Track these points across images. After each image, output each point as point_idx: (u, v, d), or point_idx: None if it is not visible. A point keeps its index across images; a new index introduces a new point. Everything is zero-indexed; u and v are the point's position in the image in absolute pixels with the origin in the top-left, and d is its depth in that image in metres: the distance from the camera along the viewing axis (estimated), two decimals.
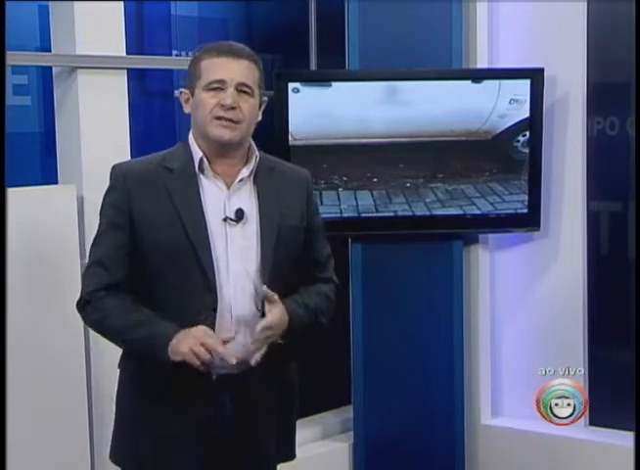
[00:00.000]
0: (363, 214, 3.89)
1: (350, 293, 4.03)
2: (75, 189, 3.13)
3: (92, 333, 3.17)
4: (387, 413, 4.06)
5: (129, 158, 3.26)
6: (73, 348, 3.12)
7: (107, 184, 3.17)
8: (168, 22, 3.56)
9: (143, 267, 2.28)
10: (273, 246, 2.31)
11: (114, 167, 2.35)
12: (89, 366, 3.20)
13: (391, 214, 3.89)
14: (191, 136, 2.34)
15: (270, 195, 2.35)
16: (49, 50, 3.24)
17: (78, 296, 2.33)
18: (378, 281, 4.02)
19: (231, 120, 2.26)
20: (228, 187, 2.31)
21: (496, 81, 3.83)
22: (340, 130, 3.82)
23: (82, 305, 2.31)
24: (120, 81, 3.27)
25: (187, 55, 3.93)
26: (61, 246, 3.07)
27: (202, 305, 2.24)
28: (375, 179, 3.86)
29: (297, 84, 3.74)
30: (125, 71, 3.28)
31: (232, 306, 2.27)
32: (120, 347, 2.32)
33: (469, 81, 3.85)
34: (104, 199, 2.33)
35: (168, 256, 2.24)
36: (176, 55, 3.78)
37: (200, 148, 2.31)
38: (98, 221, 2.36)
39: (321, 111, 3.79)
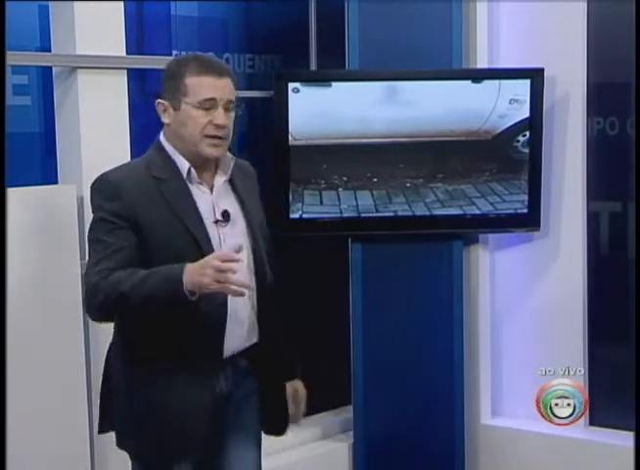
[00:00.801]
0: (363, 214, 3.89)
1: (350, 293, 4.03)
2: (75, 189, 3.13)
3: (92, 333, 3.19)
4: (387, 413, 4.06)
5: (129, 158, 3.26)
6: (73, 347, 3.12)
7: None
8: (168, 22, 3.56)
9: (146, 261, 2.33)
10: (261, 240, 2.49)
11: (104, 178, 2.40)
12: (89, 365, 3.20)
13: (391, 214, 3.89)
14: (169, 146, 2.43)
15: (246, 194, 2.51)
16: (49, 50, 3.24)
17: (84, 301, 2.37)
18: (378, 281, 4.02)
19: (220, 138, 2.38)
20: (211, 191, 2.44)
21: (496, 81, 3.83)
22: (340, 130, 3.82)
23: (91, 293, 2.32)
24: (120, 81, 3.27)
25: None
26: (61, 246, 3.07)
27: (205, 302, 2.29)
28: (375, 179, 3.86)
29: (296, 84, 3.74)
30: (125, 71, 3.27)
31: (228, 302, 2.38)
32: (136, 307, 2.29)
33: (469, 81, 3.85)
34: (101, 207, 2.37)
35: (174, 257, 2.30)
36: (176, 55, 3.78)
37: (184, 158, 2.41)
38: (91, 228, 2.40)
39: (321, 111, 3.79)
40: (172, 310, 2.27)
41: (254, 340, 2.51)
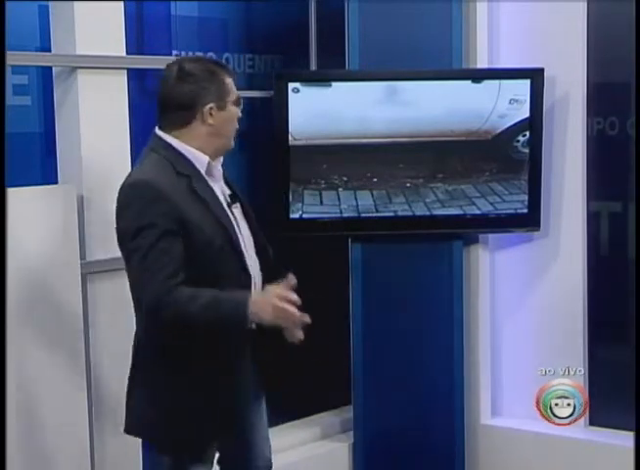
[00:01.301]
0: (363, 214, 3.89)
1: (350, 293, 4.04)
2: (75, 189, 3.13)
3: (92, 332, 3.19)
4: (387, 413, 4.06)
5: (129, 158, 3.27)
6: (73, 347, 3.12)
7: (107, 184, 3.20)
8: (168, 22, 3.56)
9: (191, 259, 2.44)
10: (253, 218, 2.67)
11: (141, 182, 2.44)
12: (89, 365, 3.20)
13: (391, 214, 3.89)
14: (182, 145, 2.50)
15: (231, 179, 2.69)
16: (49, 50, 3.24)
17: (147, 298, 2.43)
18: (378, 281, 4.02)
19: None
20: (215, 177, 2.58)
21: (496, 81, 3.83)
22: (340, 130, 3.82)
23: (154, 307, 2.41)
24: (120, 81, 3.27)
25: (187, 55, 3.94)
26: (61, 246, 3.07)
27: (240, 283, 2.51)
28: (375, 179, 3.86)
29: (296, 84, 3.75)
30: (125, 71, 3.28)
31: (255, 280, 2.57)
32: (199, 328, 2.44)
33: (469, 81, 3.85)
34: (144, 212, 2.40)
35: (216, 250, 2.46)
36: (176, 55, 3.78)
37: (203, 154, 2.53)
38: (134, 230, 2.41)
39: (321, 111, 3.79)
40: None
41: None
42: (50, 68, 3.21)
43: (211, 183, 2.54)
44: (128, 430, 2.65)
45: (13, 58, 2.96)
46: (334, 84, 3.81)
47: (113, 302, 3.27)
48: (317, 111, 3.79)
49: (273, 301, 2.39)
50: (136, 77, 3.38)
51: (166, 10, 3.56)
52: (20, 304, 2.91)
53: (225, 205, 2.56)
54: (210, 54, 4.07)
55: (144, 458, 3.40)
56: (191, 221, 2.43)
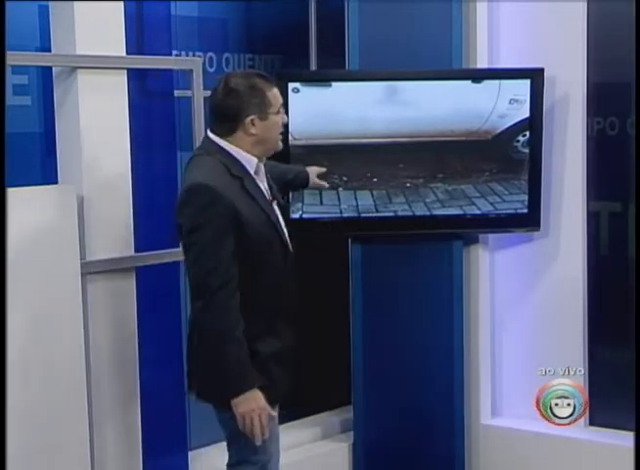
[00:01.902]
0: (363, 214, 3.89)
1: (350, 293, 4.04)
2: (75, 189, 3.13)
3: (92, 332, 3.20)
4: (387, 413, 4.06)
5: (129, 158, 3.27)
6: (73, 347, 3.11)
7: (107, 184, 3.21)
8: (168, 22, 3.56)
9: (246, 258, 2.74)
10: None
11: (200, 184, 2.72)
12: (89, 365, 3.20)
13: (391, 214, 3.89)
14: (234, 148, 2.81)
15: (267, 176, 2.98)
16: (49, 50, 3.24)
17: (205, 295, 2.68)
18: (378, 281, 4.02)
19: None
20: (260, 178, 2.89)
21: (496, 81, 3.83)
22: (340, 130, 3.82)
23: (206, 305, 2.69)
24: (120, 81, 3.26)
25: (187, 55, 3.94)
26: (61, 246, 3.07)
27: (287, 270, 2.86)
28: (375, 179, 3.86)
29: (296, 84, 3.74)
30: (125, 71, 3.27)
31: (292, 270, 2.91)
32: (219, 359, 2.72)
33: (469, 81, 3.85)
34: (204, 210, 2.69)
35: (266, 243, 2.79)
36: (176, 55, 3.78)
37: (251, 155, 2.83)
38: (193, 229, 2.69)
39: (321, 111, 3.79)
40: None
41: None
42: (50, 68, 3.21)
43: (258, 182, 2.85)
44: (197, 396, 2.89)
45: (13, 58, 2.95)
46: (334, 84, 3.81)
47: (113, 302, 3.27)
48: (317, 111, 3.79)
49: (255, 412, 2.69)
50: (136, 77, 3.38)
51: (166, 10, 3.55)
52: (20, 303, 2.90)
53: (269, 199, 2.87)
54: (210, 54, 4.08)
55: (144, 458, 3.41)
56: (244, 218, 2.72)
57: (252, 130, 2.80)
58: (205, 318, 2.69)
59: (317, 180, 3.60)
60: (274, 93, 2.83)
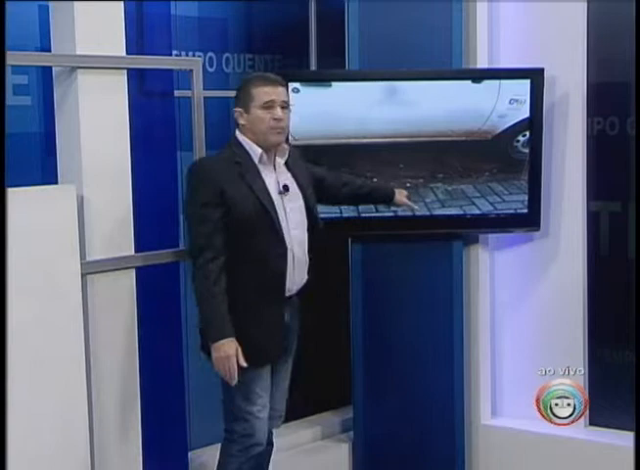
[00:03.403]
0: (363, 214, 3.89)
1: (350, 293, 4.04)
2: (75, 189, 3.13)
3: (92, 332, 3.20)
4: (387, 413, 4.06)
5: (129, 158, 3.28)
6: (73, 347, 3.12)
7: (107, 184, 3.21)
8: (168, 22, 3.56)
9: (232, 234, 3.11)
10: (312, 205, 3.32)
11: (199, 164, 3.23)
12: (89, 365, 3.20)
13: (391, 214, 3.89)
14: (243, 138, 3.20)
15: (297, 171, 3.31)
16: (49, 50, 3.24)
17: (193, 248, 3.10)
18: (378, 281, 4.02)
19: (281, 128, 3.19)
20: (274, 170, 3.23)
21: (496, 81, 3.83)
22: (340, 130, 3.82)
23: (194, 267, 3.13)
24: (120, 81, 3.26)
25: (187, 55, 3.94)
26: (61, 246, 3.07)
27: (276, 253, 3.15)
28: (375, 179, 3.86)
29: (297, 84, 3.74)
30: (125, 71, 3.27)
31: (293, 251, 3.19)
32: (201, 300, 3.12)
33: (469, 81, 3.85)
34: (197, 187, 3.12)
35: (251, 222, 3.11)
36: (176, 55, 3.78)
37: (257, 146, 3.18)
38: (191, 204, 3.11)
39: (321, 111, 3.79)
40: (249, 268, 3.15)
41: (306, 277, 3.29)
42: (50, 68, 3.21)
43: (266, 172, 3.19)
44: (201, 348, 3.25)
45: (13, 58, 2.95)
46: (334, 84, 3.81)
47: (113, 302, 3.27)
48: (317, 111, 3.79)
49: (223, 358, 3.07)
50: (136, 77, 3.38)
51: (166, 10, 3.55)
52: (20, 304, 2.90)
53: (275, 191, 3.17)
54: (210, 54, 4.08)
55: (144, 458, 3.41)
56: (229, 201, 3.08)
57: (240, 121, 3.20)
58: (193, 279, 3.12)
59: (405, 200, 3.74)
60: (262, 90, 3.15)
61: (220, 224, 3.09)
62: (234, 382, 3.11)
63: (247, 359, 3.11)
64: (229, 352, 3.08)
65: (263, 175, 3.19)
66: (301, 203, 3.27)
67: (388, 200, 3.73)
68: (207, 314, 3.10)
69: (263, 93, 3.16)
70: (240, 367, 3.09)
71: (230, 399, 3.25)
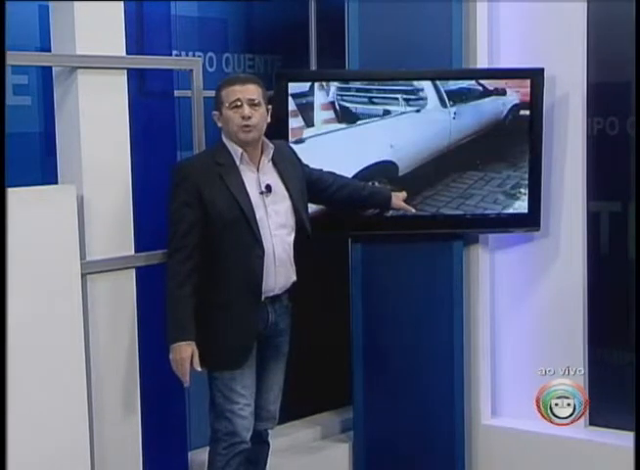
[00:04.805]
0: (363, 214, 3.89)
1: (350, 293, 4.03)
2: (75, 189, 3.13)
3: (92, 332, 3.20)
4: (387, 413, 4.06)
5: (129, 158, 3.28)
6: (73, 347, 3.12)
7: (107, 184, 3.22)
8: (168, 22, 3.56)
9: (210, 234, 3.15)
10: (300, 207, 3.28)
11: (178, 164, 3.29)
12: (89, 365, 3.20)
13: (391, 214, 3.89)
14: (226, 139, 3.24)
15: (285, 168, 3.29)
16: (49, 50, 3.24)
17: (171, 247, 3.17)
18: (378, 281, 4.02)
19: (249, 126, 3.18)
20: (257, 170, 3.23)
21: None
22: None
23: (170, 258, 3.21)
24: (120, 81, 3.27)
25: (187, 55, 3.94)
26: (61, 246, 3.07)
27: (252, 255, 3.16)
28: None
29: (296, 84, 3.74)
30: (125, 71, 3.28)
31: (274, 252, 3.20)
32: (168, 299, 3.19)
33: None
34: (177, 185, 3.17)
35: (228, 223, 3.14)
36: (176, 55, 3.78)
37: (237, 146, 3.21)
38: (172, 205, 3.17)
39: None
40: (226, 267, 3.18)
41: (294, 278, 3.30)
42: (50, 68, 3.21)
43: (247, 172, 3.21)
44: None
45: (13, 58, 2.96)
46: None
47: (113, 302, 3.27)
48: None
49: (177, 361, 3.15)
50: (136, 77, 3.38)
51: (166, 10, 3.55)
52: (20, 303, 2.90)
53: (256, 191, 3.19)
54: (210, 54, 4.08)
55: (144, 457, 3.41)
56: (206, 200, 3.13)
57: (218, 123, 3.26)
58: (165, 278, 3.19)
59: (402, 203, 3.75)
60: (229, 90, 3.19)
61: (198, 225, 3.14)
62: (186, 384, 3.19)
63: (219, 360, 3.21)
64: (183, 354, 3.14)
65: (243, 176, 3.20)
66: (288, 203, 3.26)
67: (386, 204, 3.72)
68: (168, 315, 3.17)
69: (230, 92, 3.19)
70: (210, 367, 3.21)
71: (212, 399, 3.30)
